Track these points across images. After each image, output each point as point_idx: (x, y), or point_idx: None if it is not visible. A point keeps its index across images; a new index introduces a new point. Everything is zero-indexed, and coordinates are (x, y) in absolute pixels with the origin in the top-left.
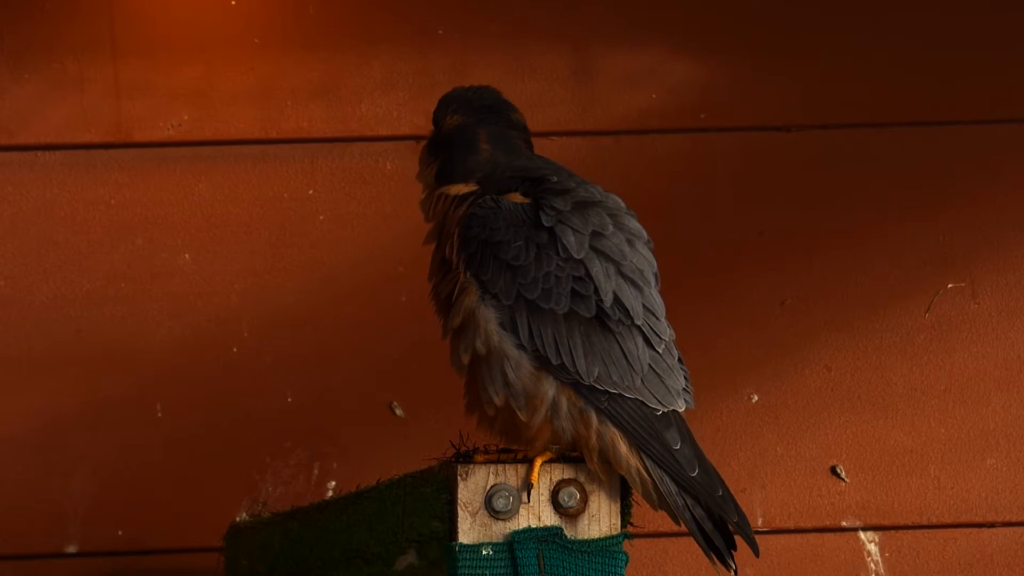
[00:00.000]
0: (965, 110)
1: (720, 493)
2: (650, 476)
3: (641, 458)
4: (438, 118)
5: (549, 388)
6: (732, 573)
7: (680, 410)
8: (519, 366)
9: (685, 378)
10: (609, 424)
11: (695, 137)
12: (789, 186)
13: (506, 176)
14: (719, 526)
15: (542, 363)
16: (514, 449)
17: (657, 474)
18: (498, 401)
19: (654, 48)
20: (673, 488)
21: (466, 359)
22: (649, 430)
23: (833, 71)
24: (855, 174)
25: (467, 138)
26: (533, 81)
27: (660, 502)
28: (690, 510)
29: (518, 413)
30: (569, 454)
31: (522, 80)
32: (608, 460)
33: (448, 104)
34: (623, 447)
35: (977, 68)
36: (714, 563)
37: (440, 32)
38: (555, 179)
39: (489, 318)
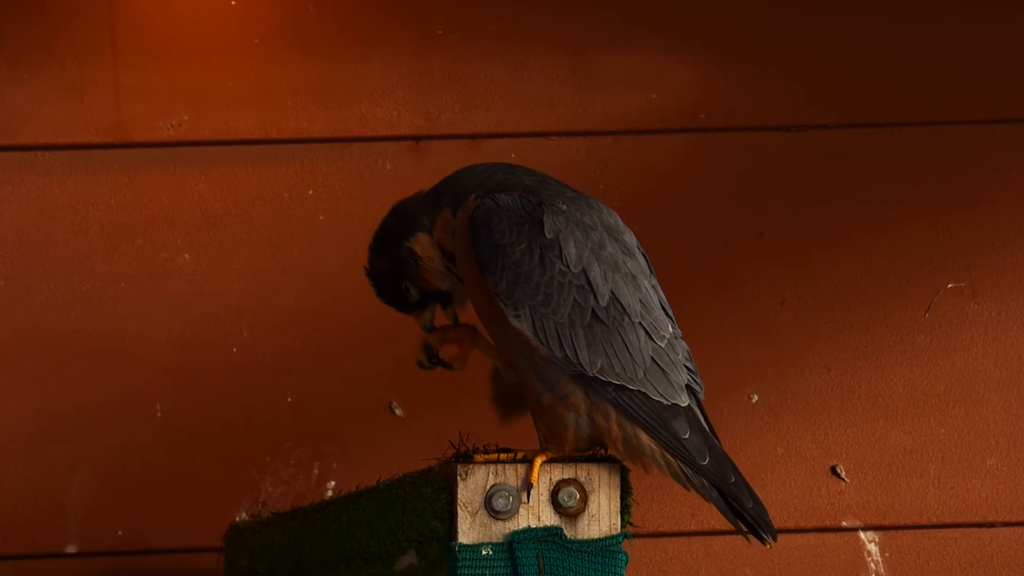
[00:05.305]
0: (965, 110)
1: (732, 480)
2: (673, 459)
3: (659, 444)
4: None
5: (568, 383)
6: (770, 544)
7: (683, 405)
8: (551, 363)
9: (691, 371)
10: (622, 415)
11: (695, 137)
12: (789, 186)
13: (497, 185)
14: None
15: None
16: (514, 449)
17: (675, 460)
18: (546, 400)
19: (654, 48)
20: (691, 471)
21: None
22: (657, 420)
23: (833, 71)
24: (855, 174)
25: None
26: (532, 81)
27: (688, 483)
28: (717, 488)
29: (560, 406)
30: (585, 453)
31: (521, 80)
32: (632, 448)
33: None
34: (644, 435)
35: (977, 68)
36: (748, 539)
37: (440, 32)
38: (564, 207)
39: (522, 327)
